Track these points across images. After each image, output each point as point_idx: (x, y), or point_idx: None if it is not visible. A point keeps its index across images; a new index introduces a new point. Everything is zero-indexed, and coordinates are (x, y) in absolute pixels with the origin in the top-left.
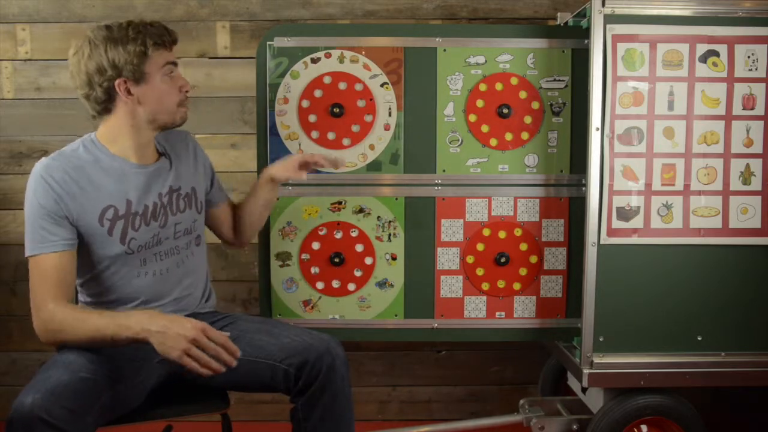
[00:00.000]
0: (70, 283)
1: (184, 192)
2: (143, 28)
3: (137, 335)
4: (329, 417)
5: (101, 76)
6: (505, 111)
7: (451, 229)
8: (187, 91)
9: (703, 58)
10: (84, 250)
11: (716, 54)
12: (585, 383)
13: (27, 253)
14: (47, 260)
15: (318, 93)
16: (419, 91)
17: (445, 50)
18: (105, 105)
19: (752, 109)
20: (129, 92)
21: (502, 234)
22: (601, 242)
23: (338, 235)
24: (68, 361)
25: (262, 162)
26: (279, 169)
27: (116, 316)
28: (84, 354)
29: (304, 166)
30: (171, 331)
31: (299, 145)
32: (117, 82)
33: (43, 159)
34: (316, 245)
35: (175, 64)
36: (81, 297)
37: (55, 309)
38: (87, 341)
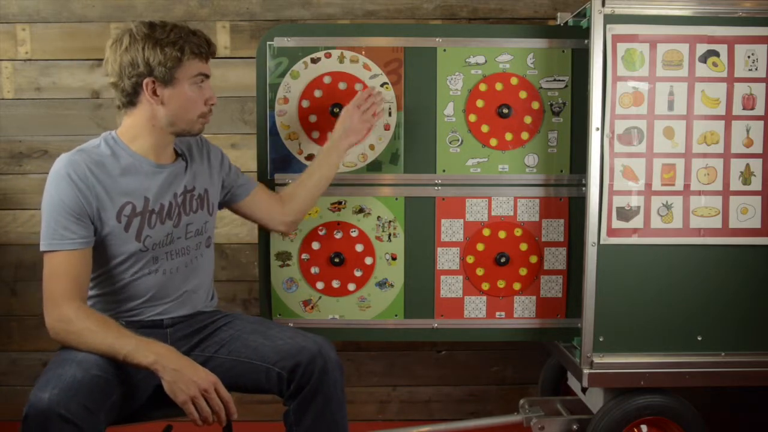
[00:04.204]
0: (84, 280)
1: (198, 193)
2: (185, 34)
3: (151, 365)
4: (321, 421)
5: (132, 70)
6: (505, 111)
7: (451, 229)
8: (212, 104)
9: (703, 58)
10: (100, 246)
11: (716, 54)
12: (585, 383)
13: (42, 248)
14: (63, 257)
15: (318, 93)
16: (419, 91)
17: (445, 50)
18: (130, 98)
19: (752, 109)
20: (155, 93)
21: (502, 234)
22: (601, 242)
23: (338, 235)
24: (79, 359)
25: (262, 162)
26: (347, 130)
27: (136, 339)
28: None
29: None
30: (185, 375)
31: (299, 145)
32: (146, 80)
33: (65, 155)
34: (316, 245)
35: (206, 75)
36: (89, 291)
37: (77, 313)
38: (96, 352)
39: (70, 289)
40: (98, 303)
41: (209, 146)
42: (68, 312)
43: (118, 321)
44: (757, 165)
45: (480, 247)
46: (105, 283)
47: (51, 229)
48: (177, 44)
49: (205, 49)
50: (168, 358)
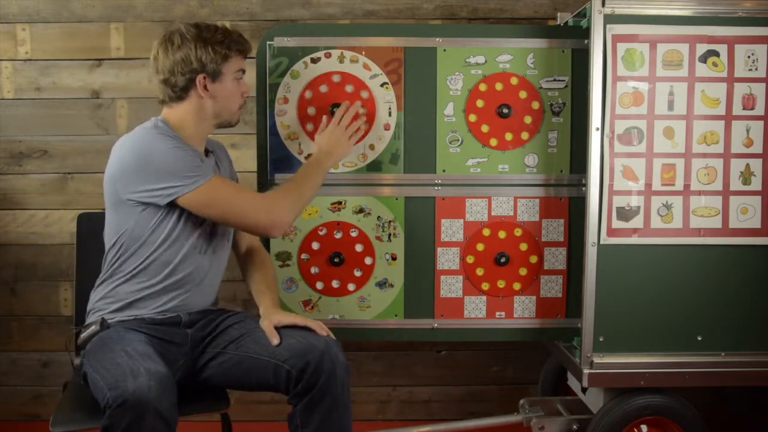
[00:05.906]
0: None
1: None
2: (229, 34)
3: (338, 158)
4: (327, 423)
5: (185, 67)
6: (505, 111)
7: (451, 229)
8: (246, 97)
9: (703, 58)
10: (173, 212)
11: (716, 54)
12: (585, 383)
13: (196, 185)
14: (219, 179)
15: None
16: (419, 91)
17: (445, 50)
18: (180, 93)
19: (752, 109)
20: (206, 88)
21: (502, 234)
22: (601, 242)
23: (338, 235)
24: (144, 352)
25: (262, 162)
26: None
27: (307, 164)
28: (148, 345)
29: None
30: (337, 150)
31: (299, 144)
32: (199, 77)
33: (138, 128)
34: (315, 245)
35: (244, 71)
36: (131, 263)
37: (277, 193)
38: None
39: (254, 193)
40: (137, 277)
41: (231, 160)
42: (275, 199)
43: (139, 314)
44: (757, 165)
45: (480, 247)
46: (160, 253)
47: (187, 169)
48: (224, 43)
49: (245, 48)
50: (326, 156)
